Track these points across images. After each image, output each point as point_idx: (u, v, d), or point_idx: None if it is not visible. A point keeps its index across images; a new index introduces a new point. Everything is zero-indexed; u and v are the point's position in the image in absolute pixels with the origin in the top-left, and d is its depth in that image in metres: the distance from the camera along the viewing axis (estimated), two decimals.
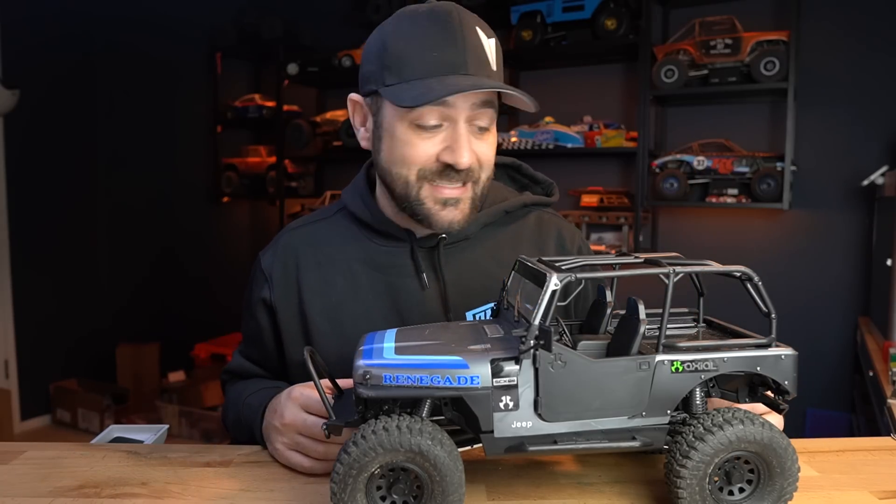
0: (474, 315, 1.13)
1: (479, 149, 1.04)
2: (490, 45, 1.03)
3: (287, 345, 1.16)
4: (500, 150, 1.19)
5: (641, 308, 0.74)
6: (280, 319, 1.16)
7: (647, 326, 0.75)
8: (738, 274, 0.77)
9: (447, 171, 1.02)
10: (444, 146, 1.02)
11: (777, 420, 0.90)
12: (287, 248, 1.19)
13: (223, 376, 1.29)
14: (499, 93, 1.05)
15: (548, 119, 3.79)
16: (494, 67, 1.03)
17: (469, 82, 0.97)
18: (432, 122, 1.01)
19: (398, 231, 1.13)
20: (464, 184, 1.05)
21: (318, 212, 1.26)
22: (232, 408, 1.18)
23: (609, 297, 0.87)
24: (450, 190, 1.04)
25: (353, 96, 1.11)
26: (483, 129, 1.05)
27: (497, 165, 1.29)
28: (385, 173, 1.07)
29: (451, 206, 1.05)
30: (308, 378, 0.84)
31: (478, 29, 1.02)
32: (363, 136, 1.12)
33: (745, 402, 0.82)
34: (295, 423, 0.94)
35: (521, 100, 1.02)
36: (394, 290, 1.13)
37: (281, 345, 1.18)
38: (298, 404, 0.96)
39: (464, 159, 1.00)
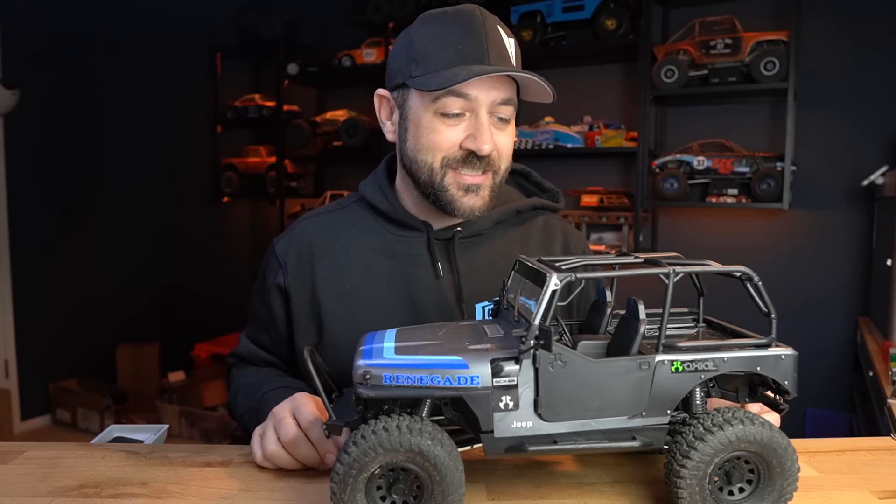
0: (483, 308, 1.16)
1: (498, 140, 1.10)
2: (510, 44, 1.09)
3: (297, 331, 1.18)
4: None
5: (641, 308, 0.74)
6: (293, 305, 1.18)
7: (647, 326, 0.75)
8: (738, 274, 0.77)
9: (470, 158, 1.08)
10: (467, 134, 1.07)
11: (774, 419, 0.90)
12: (302, 234, 1.22)
13: (229, 359, 1.30)
14: (517, 91, 1.11)
15: (548, 119, 3.79)
16: (514, 64, 1.08)
17: (491, 69, 1.03)
18: (455, 110, 1.06)
19: (416, 222, 1.17)
20: (484, 172, 1.10)
21: (334, 203, 1.29)
22: (245, 399, 1.17)
23: (609, 297, 0.87)
24: (471, 177, 1.09)
25: (380, 91, 1.17)
26: (503, 121, 1.10)
27: None
28: (411, 162, 1.13)
29: (472, 192, 1.10)
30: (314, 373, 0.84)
31: (499, 28, 1.08)
32: (389, 130, 1.18)
33: (745, 402, 0.82)
34: (276, 415, 0.93)
35: (539, 91, 1.08)
36: (408, 279, 1.16)
37: (291, 331, 1.19)
38: (291, 405, 0.94)
39: (486, 146, 1.06)
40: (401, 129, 1.14)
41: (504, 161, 1.13)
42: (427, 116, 1.08)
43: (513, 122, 1.14)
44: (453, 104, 1.06)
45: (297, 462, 0.90)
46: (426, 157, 1.09)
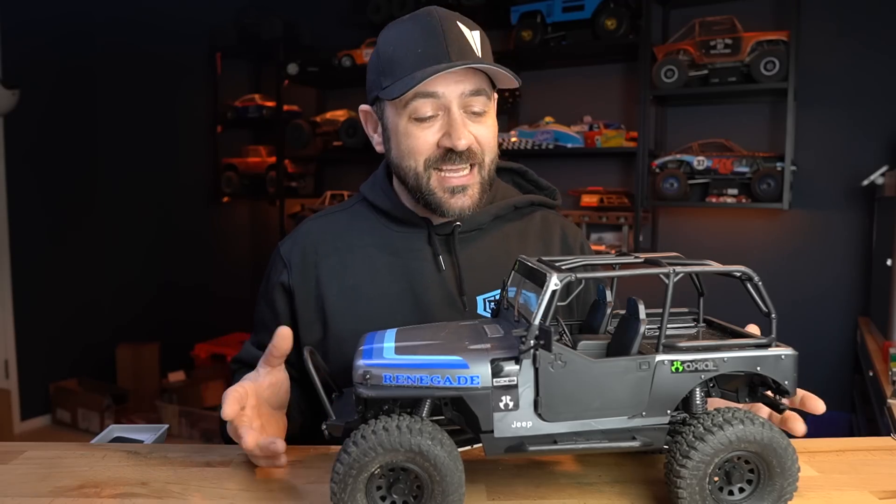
0: (484, 299, 1.17)
1: (476, 132, 1.11)
2: (474, 37, 1.10)
3: (302, 328, 1.19)
4: (501, 151, 1.22)
5: (641, 308, 0.74)
6: (297, 302, 1.20)
7: (647, 326, 0.75)
8: (738, 274, 0.77)
9: (449, 155, 1.09)
10: (443, 132, 1.09)
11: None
12: (307, 235, 1.25)
13: (232, 365, 1.31)
14: (492, 80, 1.12)
15: (548, 119, 3.79)
16: (480, 55, 1.09)
17: (443, 67, 1.03)
18: (427, 112, 1.08)
19: (416, 218, 1.20)
20: (470, 168, 1.12)
21: (337, 205, 1.33)
22: None
23: (609, 297, 0.87)
24: (457, 178, 1.11)
25: (363, 107, 1.21)
26: (478, 114, 1.11)
27: (503, 170, 1.34)
28: (397, 169, 1.15)
29: (459, 193, 1.12)
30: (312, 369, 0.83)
31: (458, 23, 1.09)
32: (377, 142, 1.21)
33: (745, 402, 0.82)
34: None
35: (504, 77, 1.09)
36: (410, 272, 1.18)
37: (296, 330, 1.19)
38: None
39: (461, 141, 1.08)
40: (384, 139, 1.17)
41: (487, 153, 1.13)
42: (402, 123, 1.10)
43: (491, 113, 1.14)
44: (423, 106, 1.07)
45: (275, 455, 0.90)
46: (409, 163, 1.12)
